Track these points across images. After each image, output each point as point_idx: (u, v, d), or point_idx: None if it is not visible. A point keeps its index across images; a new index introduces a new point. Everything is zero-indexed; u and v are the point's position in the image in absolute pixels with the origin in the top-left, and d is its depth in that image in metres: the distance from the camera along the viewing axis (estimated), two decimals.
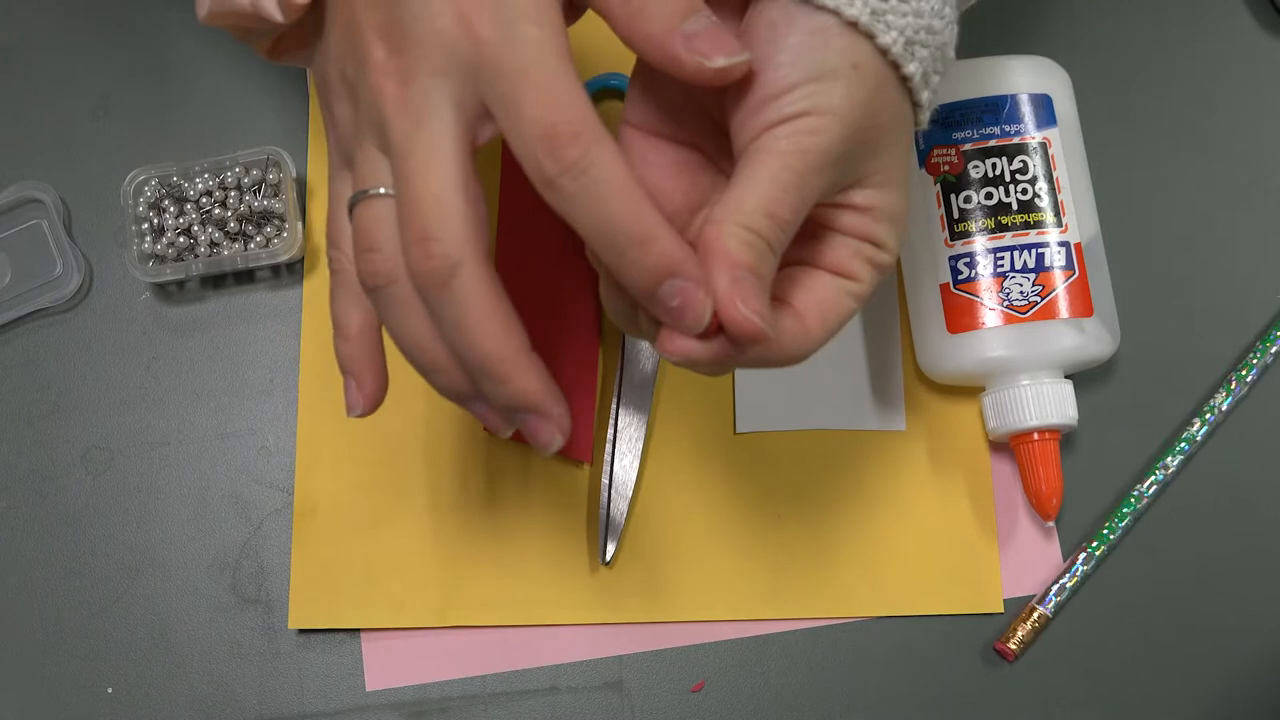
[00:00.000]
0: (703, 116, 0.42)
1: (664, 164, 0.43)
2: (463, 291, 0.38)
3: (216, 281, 0.59)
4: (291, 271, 0.59)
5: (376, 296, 0.40)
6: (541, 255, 0.59)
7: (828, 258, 0.42)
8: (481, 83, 0.38)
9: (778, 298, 0.41)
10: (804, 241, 0.41)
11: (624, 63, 0.60)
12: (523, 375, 0.39)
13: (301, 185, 0.59)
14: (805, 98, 0.38)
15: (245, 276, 0.59)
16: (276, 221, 0.58)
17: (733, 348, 0.39)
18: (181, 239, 0.57)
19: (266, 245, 0.58)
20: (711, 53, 0.38)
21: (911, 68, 0.40)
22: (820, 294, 0.41)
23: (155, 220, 0.57)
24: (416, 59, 0.38)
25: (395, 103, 0.39)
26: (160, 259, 0.58)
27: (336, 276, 0.43)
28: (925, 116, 0.42)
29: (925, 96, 0.41)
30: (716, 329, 0.38)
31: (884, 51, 0.39)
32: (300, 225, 0.58)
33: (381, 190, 0.40)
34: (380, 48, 0.39)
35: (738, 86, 0.39)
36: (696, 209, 0.43)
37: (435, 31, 0.38)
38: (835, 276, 0.42)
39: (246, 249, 0.58)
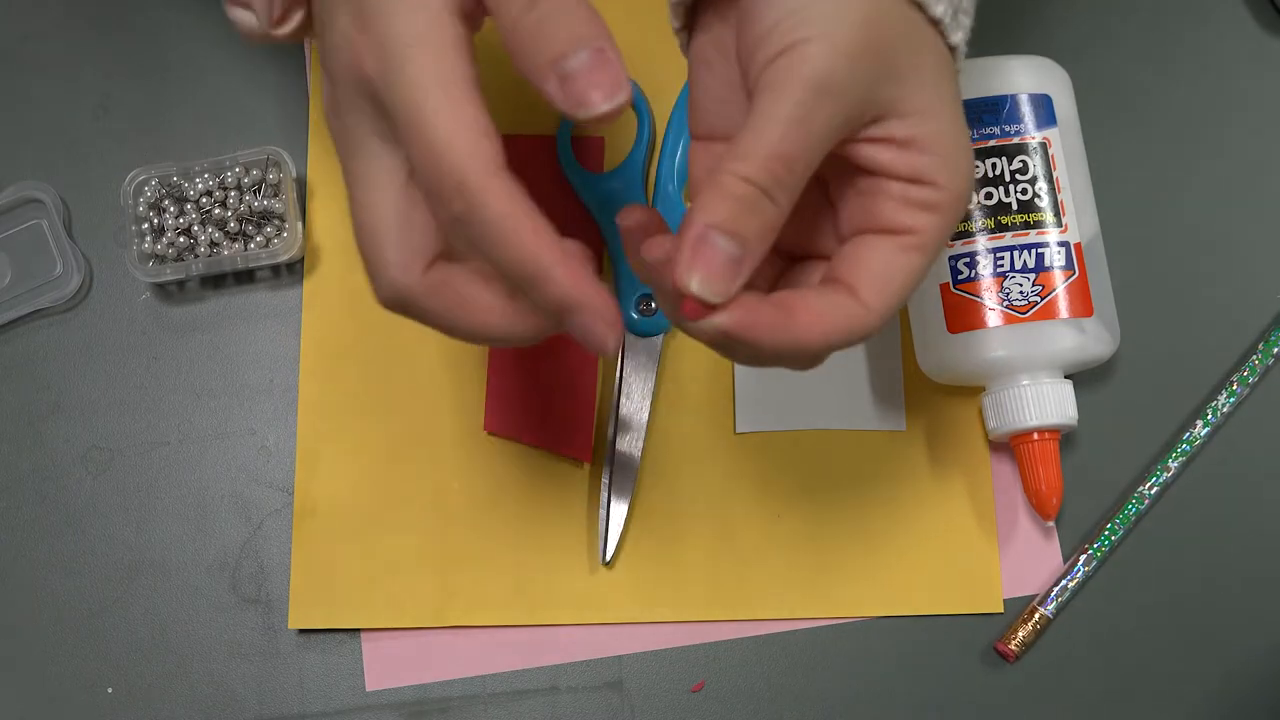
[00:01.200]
0: (746, 103, 0.41)
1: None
2: (420, 314, 0.40)
3: (216, 281, 0.59)
4: (291, 271, 0.59)
5: None
6: None
7: (878, 217, 0.39)
8: (387, 115, 0.38)
9: (832, 276, 0.40)
10: (854, 205, 0.40)
11: (624, 62, 0.60)
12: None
13: (301, 185, 0.59)
14: (795, 26, 0.37)
15: (245, 276, 0.59)
16: (276, 221, 0.58)
17: (750, 334, 0.38)
18: (181, 239, 0.57)
19: (266, 245, 0.58)
20: (585, 99, 0.36)
21: None
22: (873, 262, 0.39)
23: (155, 220, 0.57)
24: (341, 92, 0.39)
25: (337, 135, 0.40)
26: (160, 259, 0.58)
27: None
28: (957, 37, 0.39)
29: (939, 10, 0.39)
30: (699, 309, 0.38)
31: None
32: (300, 225, 0.58)
33: None
34: (326, 78, 0.40)
35: (740, 39, 0.39)
36: None
37: (342, 66, 0.39)
38: (888, 236, 0.39)
39: (246, 249, 0.58)
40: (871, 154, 0.39)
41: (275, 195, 0.58)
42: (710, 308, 0.37)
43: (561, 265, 0.37)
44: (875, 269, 0.39)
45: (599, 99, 0.36)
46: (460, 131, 0.37)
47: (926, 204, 0.39)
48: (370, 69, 0.38)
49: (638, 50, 0.60)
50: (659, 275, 0.38)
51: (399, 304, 0.40)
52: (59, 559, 0.57)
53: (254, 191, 0.58)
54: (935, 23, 0.39)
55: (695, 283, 0.37)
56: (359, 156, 0.39)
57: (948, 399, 0.58)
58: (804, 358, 0.39)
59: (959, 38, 0.40)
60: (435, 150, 0.37)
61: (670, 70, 0.60)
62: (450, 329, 0.40)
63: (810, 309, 0.38)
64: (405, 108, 0.37)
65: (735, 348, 0.39)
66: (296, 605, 0.56)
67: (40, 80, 0.61)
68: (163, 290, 0.59)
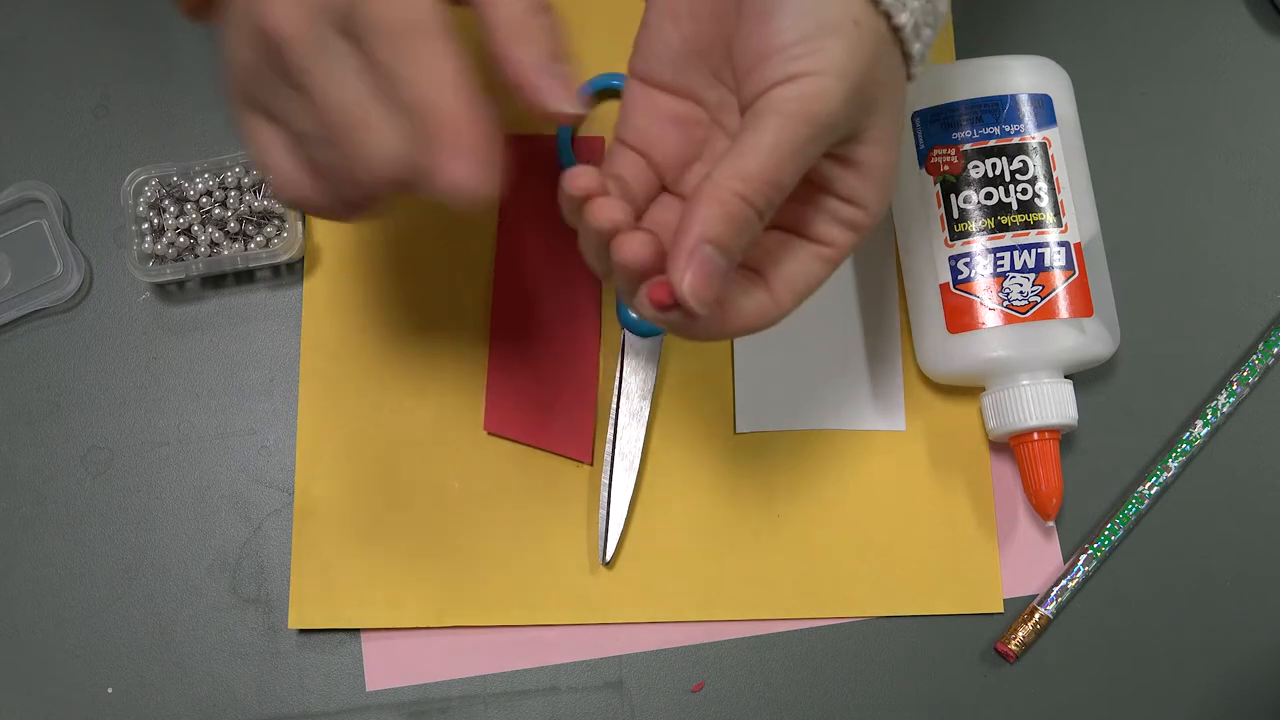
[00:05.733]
0: (703, 70, 0.44)
1: (662, 115, 0.44)
2: (422, 49, 0.39)
3: (216, 281, 0.59)
4: (291, 271, 0.59)
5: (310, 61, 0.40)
6: (542, 256, 0.59)
7: (807, 225, 0.43)
8: None
9: (753, 268, 0.43)
10: (788, 203, 0.42)
11: (625, 62, 0.60)
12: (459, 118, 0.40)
13: None
14: (808, 54, 0.39)
15: (245, 276, 0.59)
16: (276, 221, 0.58)
17: (686, 315, 0.40)
18: (181, 239, 0.57)
19: (266, 245, 0.58)
20: (562, 94, 0.41)
21: (903, 18, 0.40)
22: (793, 267, 0.43)
23: (155, 220, 0.57)
24: None
25: None
26: (160, 259, 0.58)
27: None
28: (916, 70, 0.42)
29: (916, 49, 0.41)
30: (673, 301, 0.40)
31: (876, 2, 0.40)
32: (300, 225, 0.58)
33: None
34: None
35: (744, 36, 0.40)
36: (690, 161, 0.45)
37: None
38: (811, 244, 0.43)
39: (246, 249, 0.58)
40: (827, 169, 0.42)
41: None
42: (672, 303, 0.40)
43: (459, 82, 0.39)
44: (792, 273, 0.43)
45: (580, 101, 0.42)
46: None
47: (850, 223, 0.43)
48: None
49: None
50: (627, 267, 0.41)
51: (411, 27, 0.39)
52: (59, 559, 0.57)
53: (254, 191, 0.58)
54: (906, 57, 0.42)
55: (687, 289, 0.39)
56: None
57: (948, 399, 0.58)
58: (714, 340, 0.43)
59: (916, 70, 0.43)
60: None
61: None
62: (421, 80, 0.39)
63: (735, 308, 0.42)
64: None
65: (672, 329, 0.42)
66: (296, 605, 0.56)
67: (40, 80, 0.61)
68: (163, 290, 0.59)
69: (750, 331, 0.43)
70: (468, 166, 0.39)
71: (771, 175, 0.39)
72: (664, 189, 0.45)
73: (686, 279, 0.39)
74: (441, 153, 0.39)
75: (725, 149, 0.40)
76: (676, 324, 0.41)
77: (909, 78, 0.43)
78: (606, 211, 0.41)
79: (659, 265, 0.40)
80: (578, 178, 0.41)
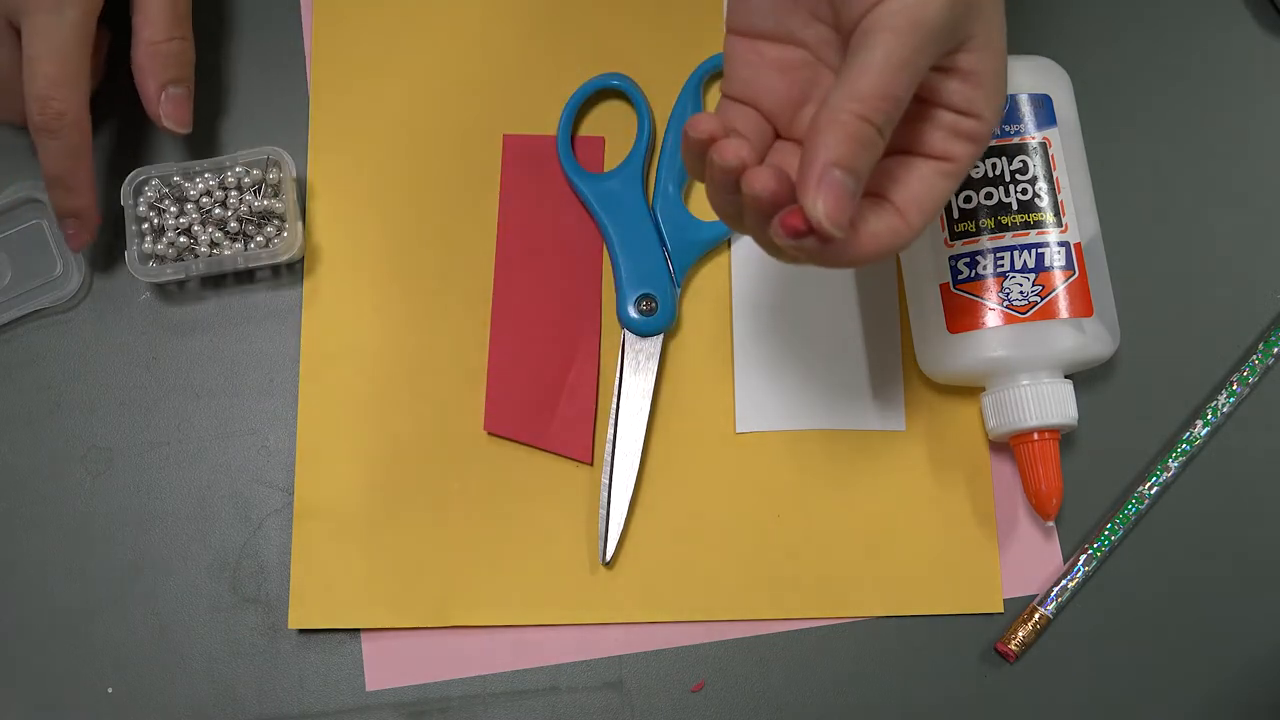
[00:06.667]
0: (799, 12, 0.44)
1: (766, 64, 0.45)
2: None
3: (216, 281, 0.59)
4: (291, 271, 0.59)
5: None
6: (542, 256, 0.59)
7: (925, 142, 0.43)
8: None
9: (878, 194, 0.43)
10: (901, 127, 0.42)
11: (624, 62, 0.60)
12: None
13: (301, 185, 0.59)
14: None
15: (245, 276, 0.59)
16: (276, 221, 0.58)
17: (820, 240, 0.40)
18: (182, 239, 0.57)
19: (266, 245, 0.58)
20: (171, 114, 0.56)
21: None
22: (918, 186, 0.43)
23: (155, 220, 0.57)
24: None
25: None
26: (160, 259, 0.58)
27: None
28: None
29: None
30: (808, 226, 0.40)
31: None
32: (300, 225, 0.58)
33: None
34: None
35: None
36: (799, 105, 0.45)
37: None
38: (931, 161, 0.43)
39: (246, 249, 0.58)
40: (937, 82, 0.42)
41: (275, 195, 0.58)
42: (807, 229, 0.40)
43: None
44: (917, 191, 0.43)
45: (175, 124, 0.56)
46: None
47: (969, 135, 0.43)
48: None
49: (639, 51, 0.60)
50: (758, 200, 0.40)
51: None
52: (59, 559, 0.57)
53: (254, 191, 0.58)
54: None
55: (821, 213, 0.39)
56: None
57: (948, 399, 0.58)
58: (852, 266, 0.43)
59: None
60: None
61: (670, 70, 0.60)
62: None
63: (867, 230, 0.42)
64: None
65: (804, 258, 0.42)
66: (296, 605, 0.56)
67: None
68: (163, 290, 0.59)
69: (884, 255, 0.42)
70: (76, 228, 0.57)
71: (886, 90, 0.39)
72: (778, 137, 0.46)
73: (819, 204, 0.39)
74: None
75: (833, 85, 0.41)
76: (812, 251, 0.41)
77: None
78: (732, 149, 0.41)
79: (788, 197, 0.41)
80: (700, 122, 0.42)
